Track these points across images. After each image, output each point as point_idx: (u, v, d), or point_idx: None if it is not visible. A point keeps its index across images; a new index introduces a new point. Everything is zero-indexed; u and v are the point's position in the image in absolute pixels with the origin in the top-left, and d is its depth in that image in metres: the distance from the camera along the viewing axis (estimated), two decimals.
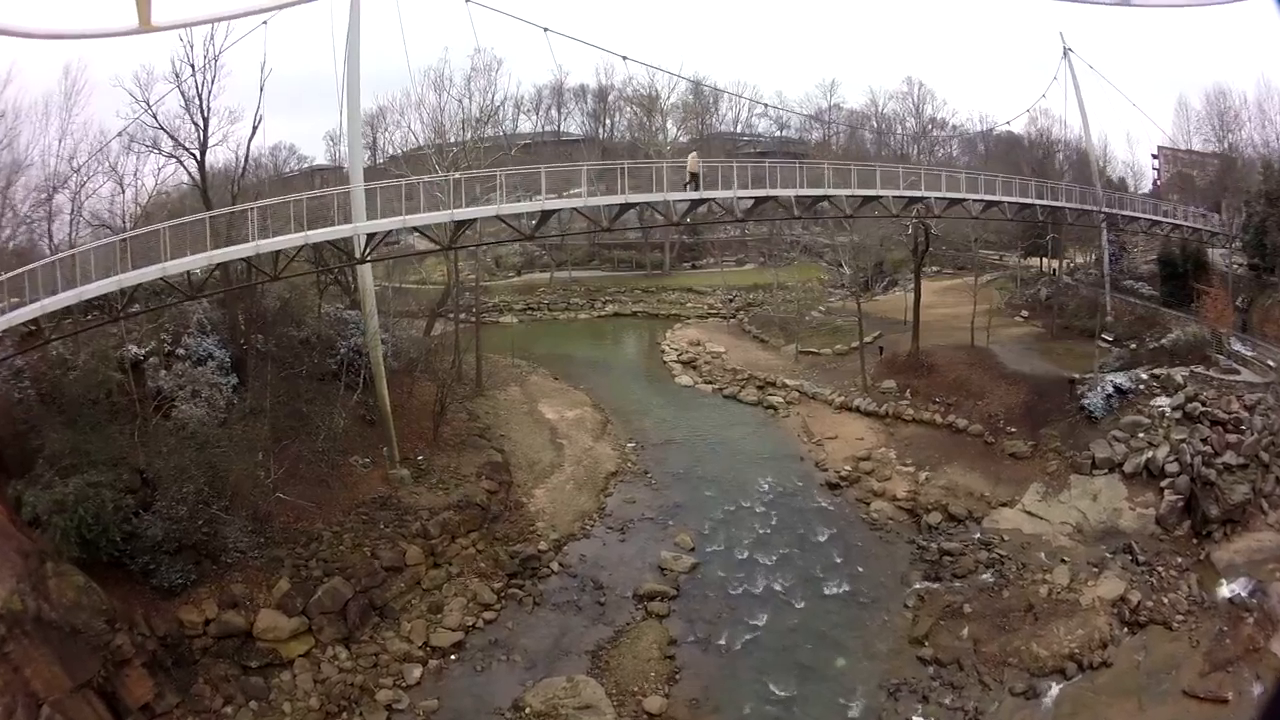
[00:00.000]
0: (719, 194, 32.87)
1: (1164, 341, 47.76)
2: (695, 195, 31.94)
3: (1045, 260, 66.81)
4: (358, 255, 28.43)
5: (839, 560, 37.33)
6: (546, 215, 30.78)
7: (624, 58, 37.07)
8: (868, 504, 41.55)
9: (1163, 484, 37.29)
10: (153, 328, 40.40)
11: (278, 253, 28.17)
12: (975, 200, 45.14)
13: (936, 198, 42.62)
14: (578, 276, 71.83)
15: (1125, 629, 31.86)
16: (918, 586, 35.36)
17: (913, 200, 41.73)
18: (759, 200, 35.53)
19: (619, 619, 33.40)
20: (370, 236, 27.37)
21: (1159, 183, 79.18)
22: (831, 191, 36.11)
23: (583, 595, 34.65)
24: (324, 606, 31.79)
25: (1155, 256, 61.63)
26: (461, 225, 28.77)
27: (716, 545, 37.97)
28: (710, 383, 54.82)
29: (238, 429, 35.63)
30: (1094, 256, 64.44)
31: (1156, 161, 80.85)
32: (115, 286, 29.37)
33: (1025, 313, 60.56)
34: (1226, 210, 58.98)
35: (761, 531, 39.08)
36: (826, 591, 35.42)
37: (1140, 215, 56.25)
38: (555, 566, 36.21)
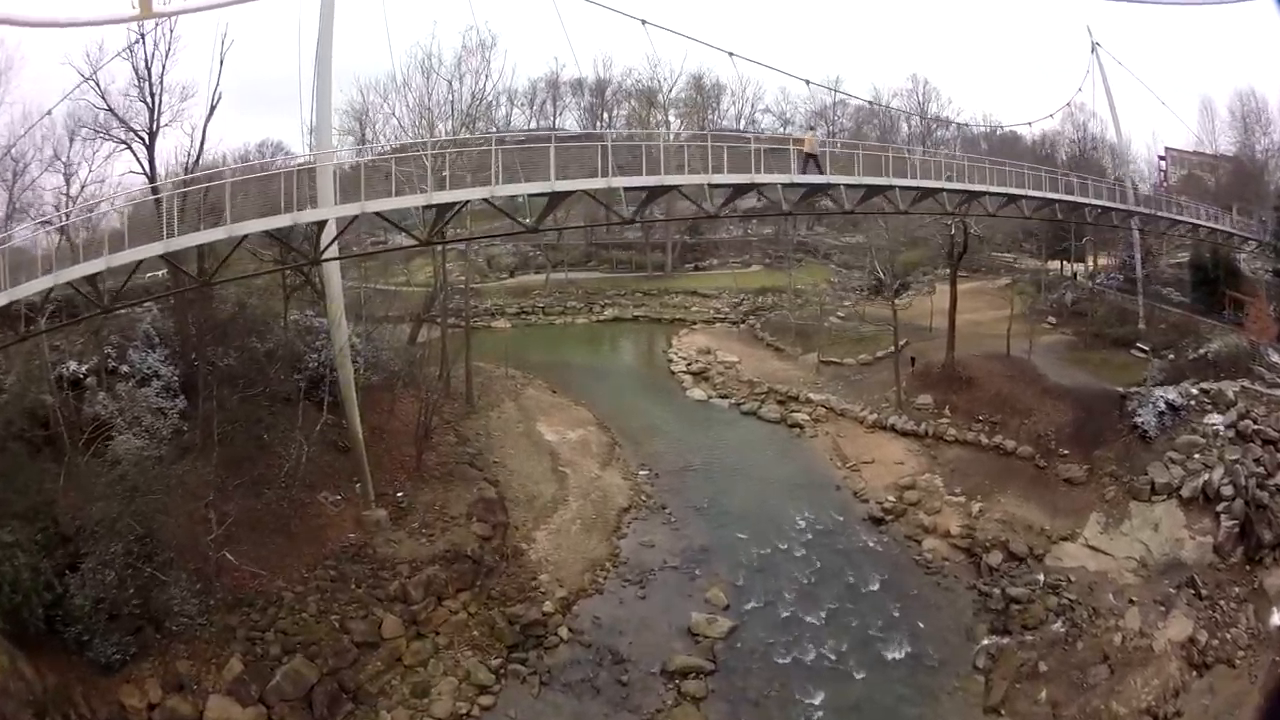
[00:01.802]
0: (772, 178, 25.20)
1: (1206, 352, 42.43)
2: (742, 179, 24.19)
3: (1067, 263, 60.17)
4: (325, 250, 20.36)
5: (896, 615, 30.55)
6: (554, 203, 22.69)
7: (643, 21, 29.02)
8: (919, 542, 34.72)
9: (1218, 509, 32.72)
10: (95, 340, 32.50)
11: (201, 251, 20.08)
12: (1031, 198, 37.90)
13: (995, 194, 35.23)
14: (574, 278, 63.93)
15: (1194, 672, 27.85)
16: (986, 643, 29.50)
17: (970, 197, 34.37)
18: (808, 193, 27.85)
19: (646, 703, 25.92)
20: (322, 227, 19.33)
21: (1165, 185, 73.04)
22: (895, 182, 28.58)
23: (600, 671, 26.99)
24: (285, 693, 24.62)
25: (1184, 261, 56.02)
26: (443, 214, 20.77)
27: (754, 601, 30.54)
28: (725, 396, 47.10)
29: (179, 468, 27.83)
30: (1118, 259, 58.09)
31: (1163, 163, 74.59)
32: (6, 300, 21.73)
33: (1053, 319, 53.72)
34: (1239, 213, 53.17)
35: (804, 581, 31.77)
36: (887, 655, 28.77)
37: (1181, 219, 49.34)
38: (564, 633, 28.41)
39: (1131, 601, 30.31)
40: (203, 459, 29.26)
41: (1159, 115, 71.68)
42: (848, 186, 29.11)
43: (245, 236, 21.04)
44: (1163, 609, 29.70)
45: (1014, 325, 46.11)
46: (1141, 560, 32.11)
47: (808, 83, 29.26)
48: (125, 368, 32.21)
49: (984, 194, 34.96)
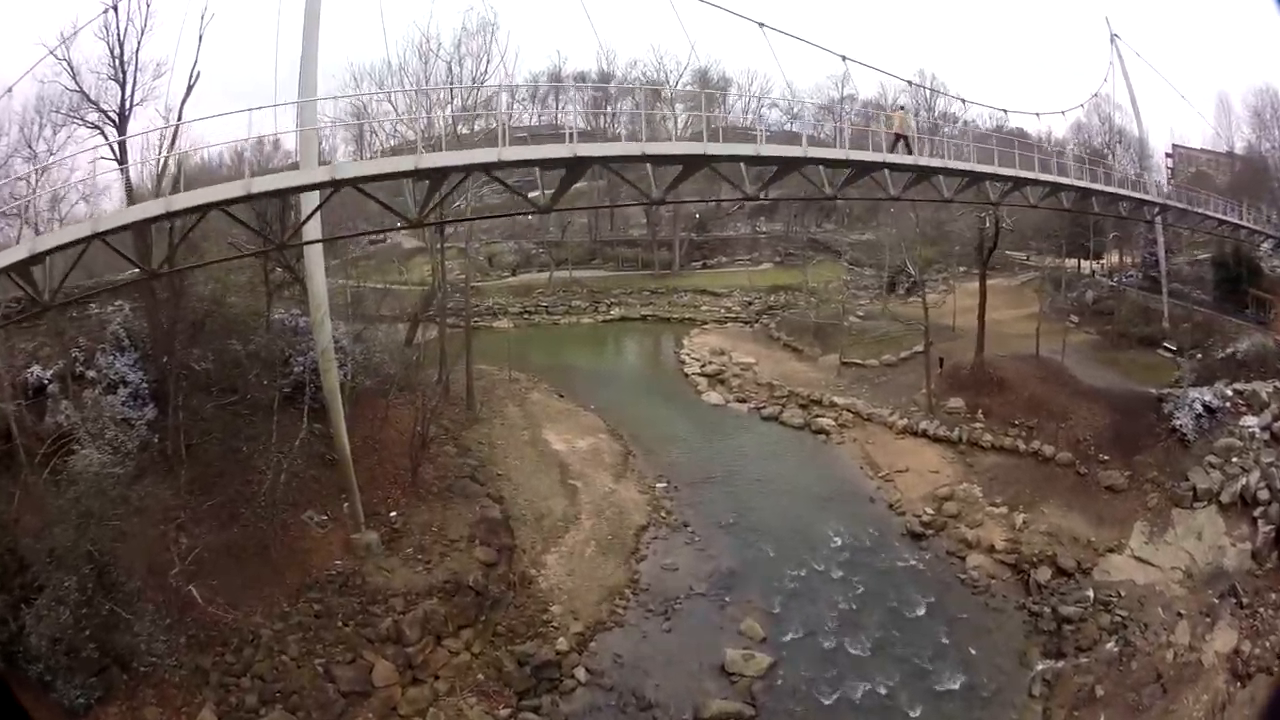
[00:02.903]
0: (825, 153, 21.11)
1: (1235, 352, 40.11)
2: (793, 153, 19.94)
3: (1085, 261, 56.48)
4: (296, 230, 16.06)
5: (945, 641, 26.75)
6: (571, 178, 18.10)
7: None
8: (962, 558, 30.90)
9: (1255, 514, 30.69)
10: (60, 342, 28.80)
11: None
12: (1077, 188, 34.39)
13: (1044, 181, 31.52)
14: (578, 276, 59.68)
15: (1238, 683, 25.60)
16: (1041, 667, 26.33)
17: (1016, 185, 30.56)
18: (854, 177, 23.70)
19: None
20: (289, 206, 15.02)
21: (1171, 182, 69.62)
22: (950, 165, 24.99)
23: None
24: None
25: (1201, 258, 52.41)
26: (437, 186, 16.38)
27: (793, 631, 26.42)
28: (744, 401, 42.83)
29: (141, 487, 23.33)
30: (1138, 257, 54.50)
31: (1170, 160, 71.13)
32: None
33: (1075, 318, 49.98)
34: (1247, 211, 50.15)
35: (845, 606, 27.72)
36: (940, 688, 25.06)
37: (1214, 215, 45.75)
38: (581, 675, 24.04)
39: (1180, 615, 27.98)
40: (172, 476, 25.18)
41: (1175, 111, 67.55)
42: (895, 170, 25.02)
43: (201, 218, 16.70)
44: (1208, 620, 27.55)
45: (1037, 325, 42.61)
46: (1187, 570, 29.68)
47: (844, 58, 25.14)
48: (92, 373, 28.13)
49: (1032, 182, 31.12)
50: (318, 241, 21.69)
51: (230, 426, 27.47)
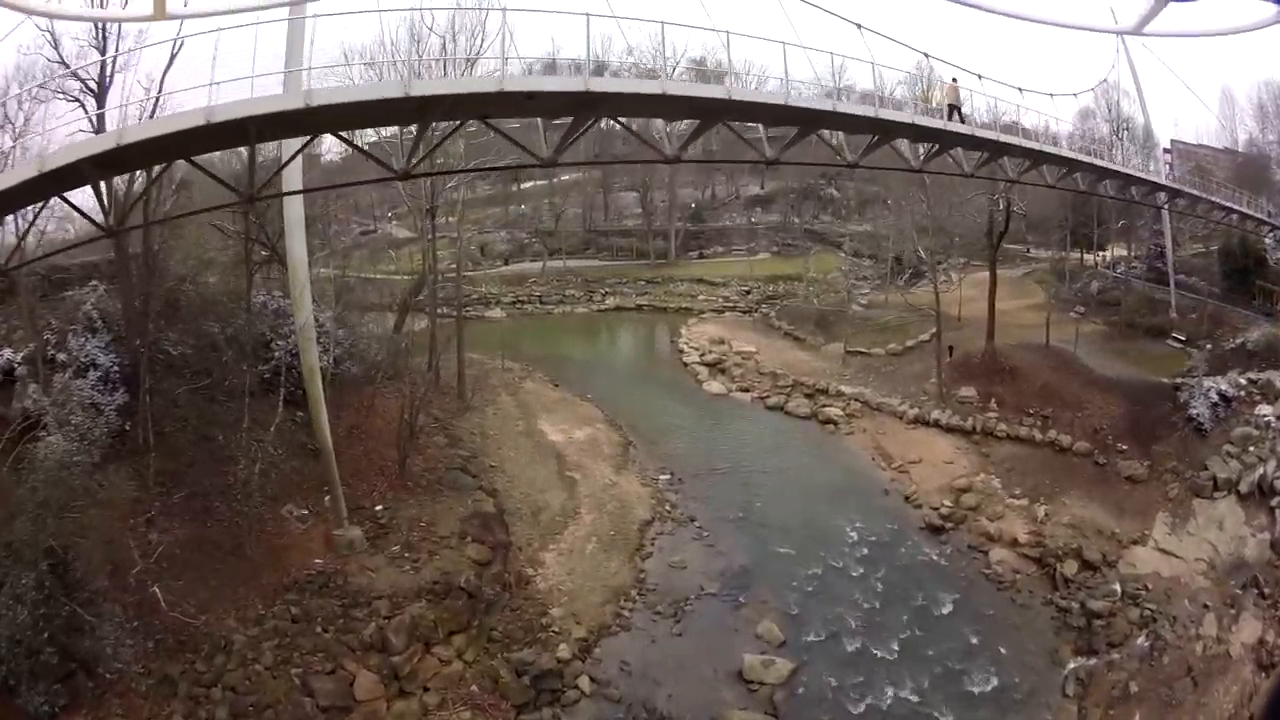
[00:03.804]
0: (853, 108, 18.80)
1: (1244, 342, 38.53)
2: (823, 107, 17.56)
3: (1088, 253, 54.83)
4: (268, 181, 13.54)
5: (974, 641, 24.64)
6: (578, 124, 15.32)
7: None
8: (985, 553, 28.84)
9: (1273, 503, 29.16)
10: (31, 324, 26.22)
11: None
12: (1095, 167, 32.26)
13: (1065, 158, 29.47)
14: (572, 266, 57.57)
15: (1263, 674, 24.25)
16: (1073, 665, 24.80)
17: (1035, 163, 28.43)
18: (878, 140, 21.34)
19: None
20: (254, 155, 12.35)
21: (1171, 178, 68.16)
22: (977, 133, 22.98)
23: None
24: None
25: (1204, 250, 51.65)
26: (424, 129, 13.82)
27: (814, 633, 24.04)
28: (747, 390, 40.54)
29: (101, 477, 20.75)
30: (1143, 248, 53.02)
31: (1169, 155, 69.63)
32: None
33: (1081, 309, 48.14)
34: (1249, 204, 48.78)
35: (867, 605, 25.45)
36: (972, 690, 23.06)
37: (1227, 204, 43.95)
38: (586, 685, 21.44)
39: (1206, 607, 26.84)
40: (140, 465, 22.70)
41: (1179, 103, 66.17)
42: (919, 140, 22.72)
43: (163, 169, 14.11)
44: (1233, 612, 26.44)
45: (1041, 315, 41.44)
46: (1210, 561, 28.50)
47: (859, 27, 22.82)
48: (63, 356, 25.69)
49: (1053, 159, 28.91)
50: (296, 193, 19.11)
51: (205, 413, 25.13)
